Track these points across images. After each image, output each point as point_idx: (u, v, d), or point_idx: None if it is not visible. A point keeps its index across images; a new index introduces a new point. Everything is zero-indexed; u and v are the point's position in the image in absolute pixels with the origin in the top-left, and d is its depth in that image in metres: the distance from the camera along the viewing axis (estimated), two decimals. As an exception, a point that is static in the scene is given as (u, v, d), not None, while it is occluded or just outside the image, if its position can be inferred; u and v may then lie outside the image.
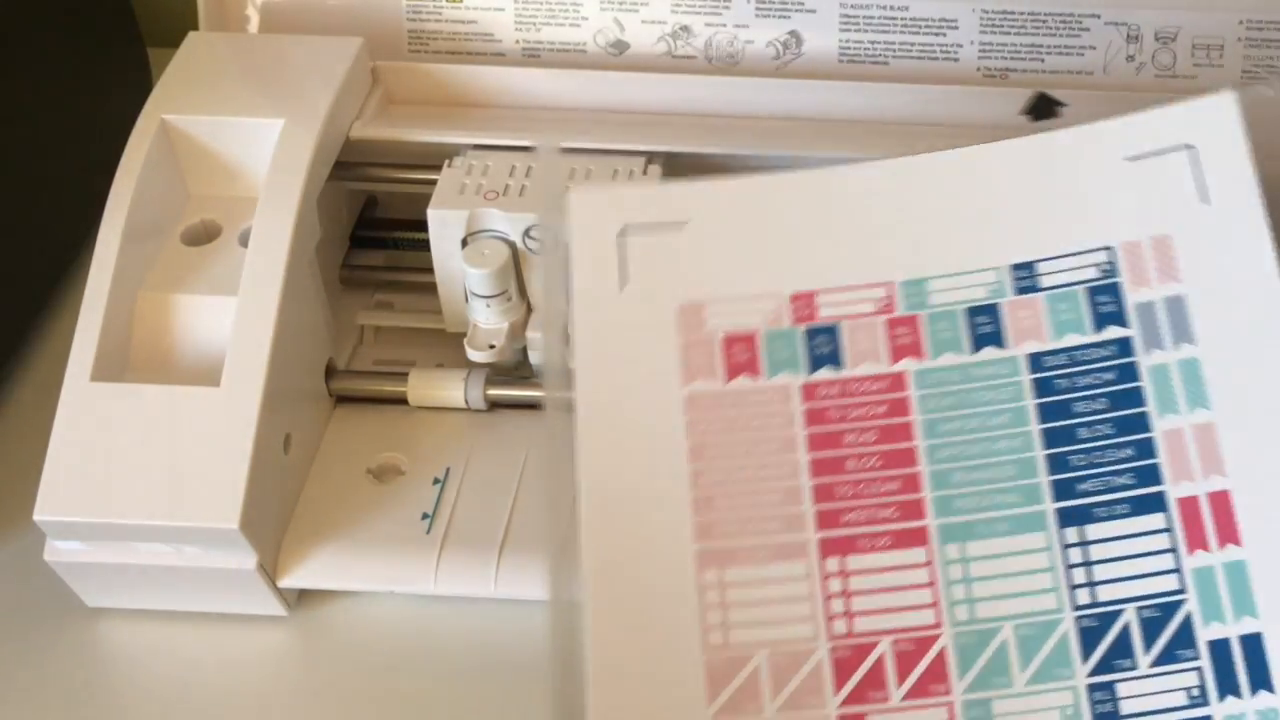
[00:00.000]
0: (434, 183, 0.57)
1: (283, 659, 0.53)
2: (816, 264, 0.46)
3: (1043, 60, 0.62)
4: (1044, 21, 0.61)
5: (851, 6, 0.62)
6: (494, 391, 0.57)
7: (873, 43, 0.62)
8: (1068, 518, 0.43)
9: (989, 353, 0.44)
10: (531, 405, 0.58)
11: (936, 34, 0.62)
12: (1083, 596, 0.42)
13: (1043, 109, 0.49)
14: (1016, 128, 0.50)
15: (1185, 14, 0.61)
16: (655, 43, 0.63)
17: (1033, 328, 0.44)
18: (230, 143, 0.57)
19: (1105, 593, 0.42)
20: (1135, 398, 0.43)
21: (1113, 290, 0.44)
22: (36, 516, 0.51)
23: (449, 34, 0.64)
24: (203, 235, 0.57)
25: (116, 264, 0.53)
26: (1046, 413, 0.43)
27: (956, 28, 0.62)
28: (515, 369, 0.58)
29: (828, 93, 0.60)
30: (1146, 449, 0.42)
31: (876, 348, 0.45)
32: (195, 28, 0.62)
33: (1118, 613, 0.42)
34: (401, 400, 0.58)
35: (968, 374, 0.44)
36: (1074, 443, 0.42)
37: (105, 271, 0.53)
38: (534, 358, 0.58)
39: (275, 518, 0.53)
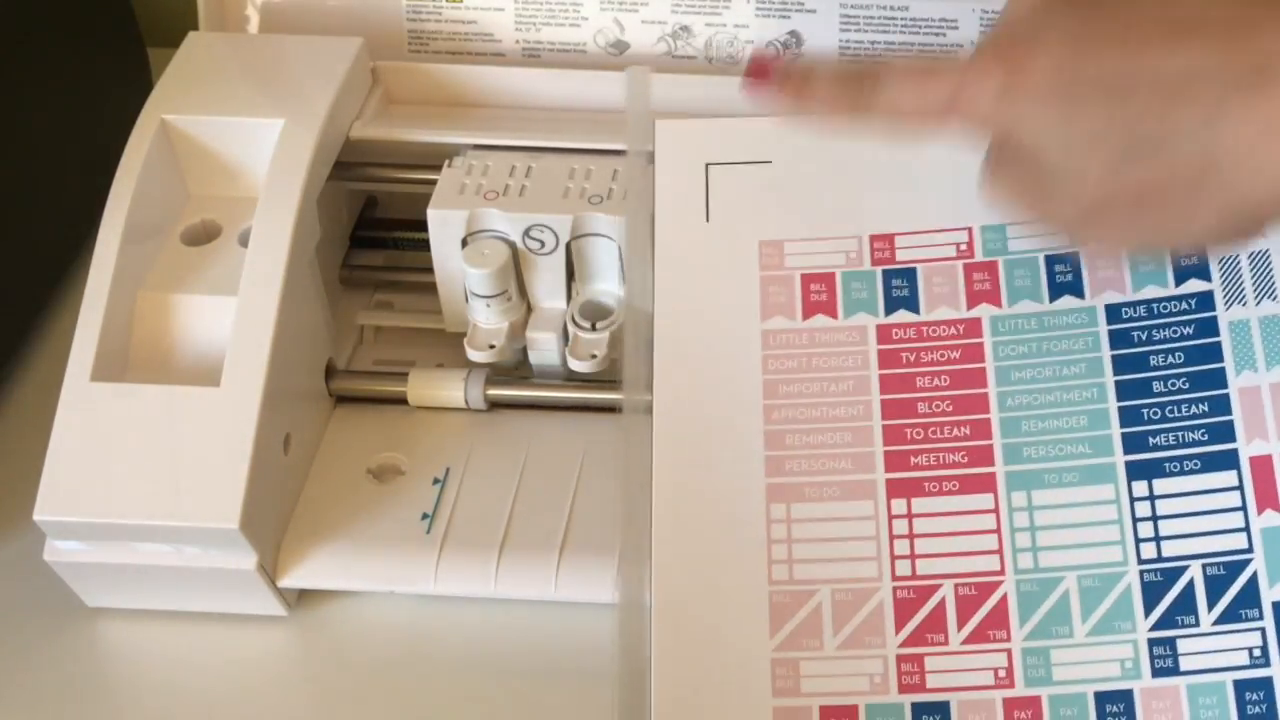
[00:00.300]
0: (434, 183, 0.57)
1: (283, 659, 0.53)
2: (896, 207, 0.46)
3: (1043, 60, 0.61)
4: (1044, 21, 0.61)
5: (851, 6, 0.62)
6: (494, 391, 0.57)
7: (873, 43, 0.62)
8: (1137, 471, 0.42)
9: (1066, 301, 0.44)
10: (532, 405, 0.58)
11: (936, 34, 0.62)
12: (1148, 550, 0.42)
13: None
14: None
15: (1185, 14, 0.61)
16: (655, 43, 0.63)
17: (1113, 279, 0.44)
18: (230, 143, 0.57)
19: (1171, 548, 0.42)
20: (1213, 353, 0.42)
21: None
22: (36, 516, 0.51)
23: (449, 34, 0.64)
24: (203, 235, 0.57)
25: (116, 264, 0.53)
26: (1121, 364, 0.43)
27: (956, 28, 0.62)
28: (515, 369, 0.59)
29: (828, 93, 0.60)
30: (1222, 405, 0.42)
31: (954, 292, 0.45)
32: (195, 28, 0.62)
33: (1183, 569, 0.42)
34: (401, 400, 0.58)
35: (1044, 323, 0.44)
36: (1148, 396, 0.42)
37: (105, 271, 0.53)
38: (534, 358, 0.58)
39: (275, 518, 0.53)
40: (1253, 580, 0.42)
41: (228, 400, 0.51)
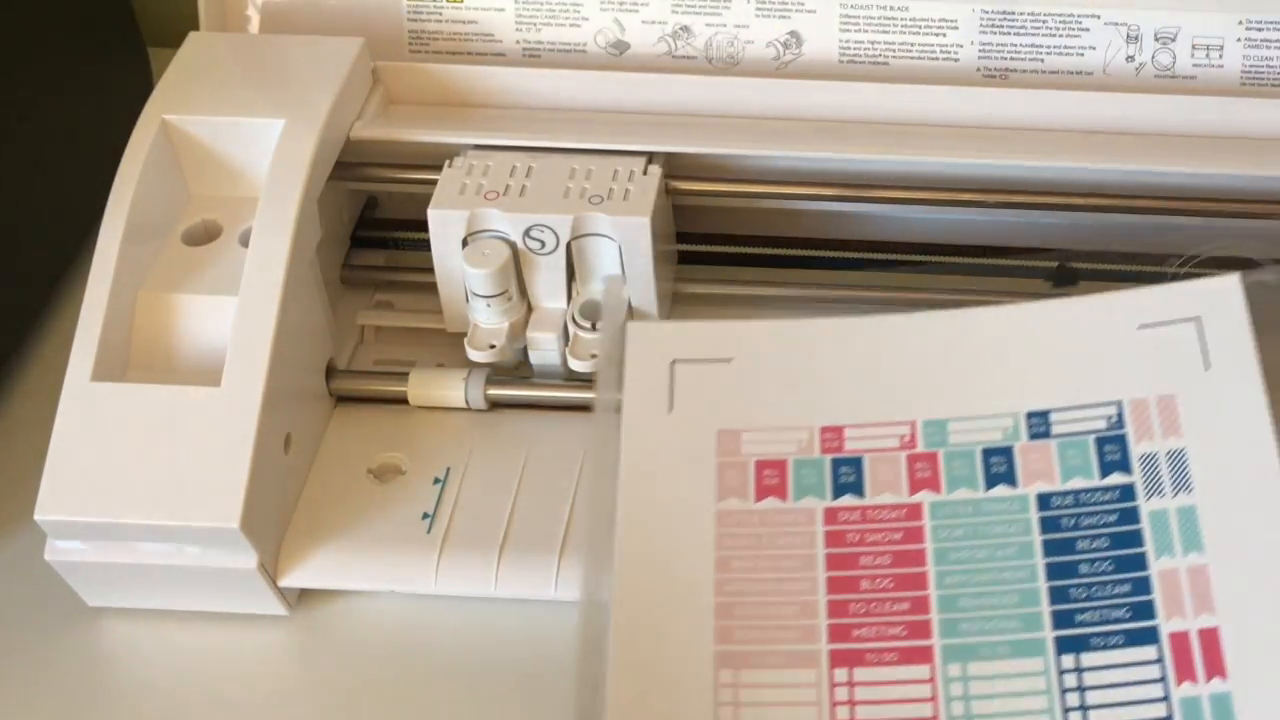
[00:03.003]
0: (434, 183, 0.57)
1: (283, 659, 0.53)
2: (847, 402, 0.49)
3: (1042, 60, 0.62)
4: (1044, 22, 0.61)
5: (851, 6, 0.62)
6: (494, 391, 0.58)
7: (873, 43, 0.62)
8: (1065, 645, 0.45)
9: (1001, 490, 0.47)
10: (532, 405, 0.58)
11: (936, 34, 0.62)
12: (1075, 719, 0.44)
13: (1064, 278, 0.52)
14: (1039, 288, 0.55)
15: (1185, 14, 0.61)
16: (655, 43, 0.63)
17: (1043, 470, 0.47)
18: (231, 143, 0.57)
19: (1097, 717, 0.44)
20: (1134, 539, 0.45)
21: (1119, 441, 0.47)
22: (37, 516, 0.51)
23: (449, 34, 0.64)
24: (203, 235, 0.57)
25: (117, 264, 0.53)
26: (1051, 548, 0.46)
27: (956, 28, 0.62)
28: (515, 369, 0.59)
29: (828, 93, 0.60)
30: (1143, 586, 0.45)
31: (897, 480, 0.48)
32: (196, 28, 0.62)
33: None
34: (402, 400, 0.58)
35: (979, 508, 0.47)
36: (1075, 576, 0.45)
37: (105, 271, 0.53)
38: (534, 358, 0.58)
39: (275, 517, 0.53)
40: None
41: (228, 400, 0.51)
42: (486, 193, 0.56)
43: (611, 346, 0.52)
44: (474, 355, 0.57)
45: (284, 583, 0.53)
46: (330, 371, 0.58)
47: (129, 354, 0.54)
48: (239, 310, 0.53)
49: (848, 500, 0.48)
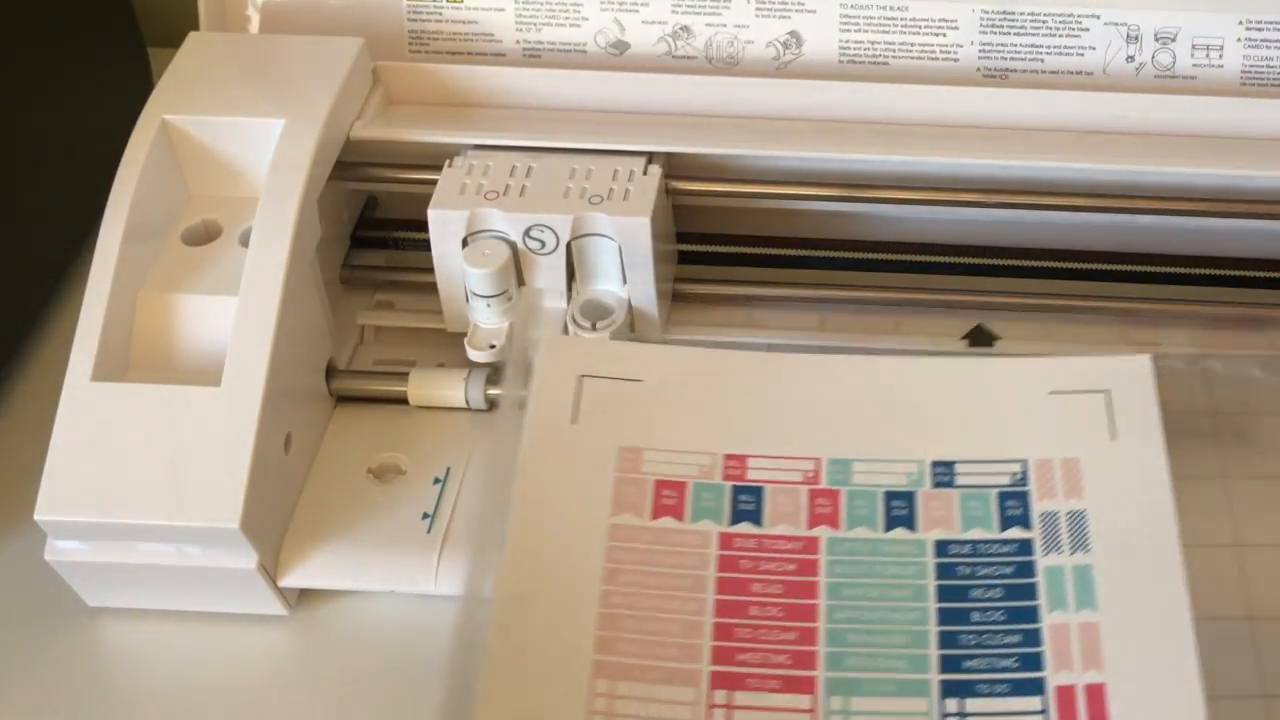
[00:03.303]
0: (434, 183, 0.57)
1: (283, 659, 0.53)
2: (754, 434, 0.50)
3: (1042, 60, 0.62)
4: (1044, 22, 0.61)
5: (851, 6, 0.62)
6: (494, 391, 0.57)
7: (873, 43, 0.62)
8: (950, 689, 0.45)
9: (899, 533, 0.48)
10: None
11: (936, 34, 0.62)
12: None
13: (980, 339, 0.53)
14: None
15: (1185, 14, 0.61)
16: (655, 43, 0.63)
17: (943, 518, 0.48)
18: (231, 143, 0.57)
19: None
20: (1029, 592, 0.46)
21: (1022, 497, 0.48)
22: (37, 516, 0.51)
23: (449, 34, 0.64)
24: (203, 235, 0.57)
25: (117, 264, 0.53)
26: (944, 593, 0.46)
27: (956, 28, 0.62)
28: (515, 369, 0.59)
29: (828, 93, 0.60)
30: (1033, 638, 0.45)
31: (796, 512, 0.48)
32: (196, 28, 0.62)
33: None
34: (402, 400, 0.58)
35: (876, 548, 0.47)
36: (966, 623, 0.46)
37: (105, 271, 0.53)
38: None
39: (276, 517, 0.53)
40: None
41: (228, 400, 0.51)
42: (486, 193, 0.56)
43: (518, 351, 0.52)
44: (474, 355, 0.57)
45: (284, 583, 0.53)
46: (330, 371, 0.58)
47: (129, 354, 0.54)
48: (239, 310, 0.53)
49: (744, 527, 0.48)
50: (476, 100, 0.61)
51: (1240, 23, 0.60)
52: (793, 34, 0.62)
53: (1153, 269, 0.61)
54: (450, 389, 0.57)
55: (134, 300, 0.54)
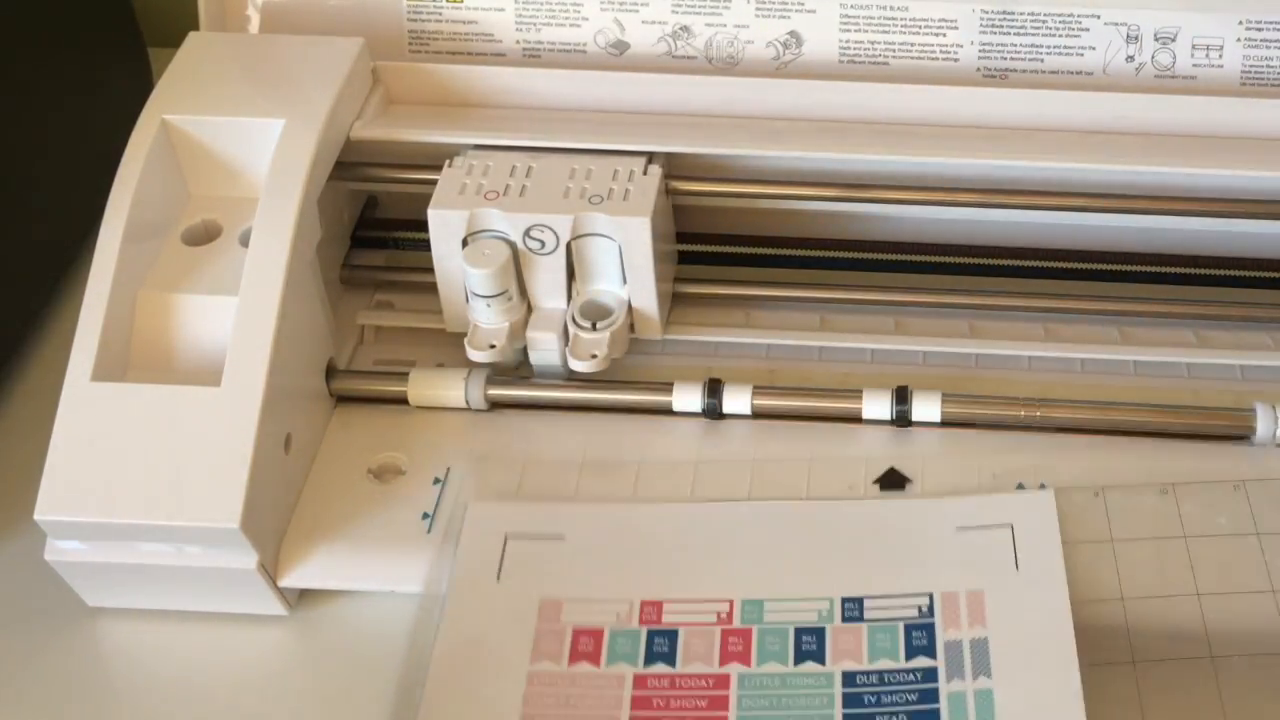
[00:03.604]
0: (434, 183, 0.57)
1: (283, 659, 0.53)
2: (670, 579, 0.52)
3: (1042, 60, 0.62)
4: (1044, 21, 0.61)
5: (851, 6, 0.62)
6: (494, 391, 0.58)
7: (872, 43, 0.62)
8: None
9: (809, 666, 0.50)
10: (532, 405, 0.58)
11: (936, 34, 0.62)
12: None
13: (892, 481, 0.55)
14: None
15: (1185, 14, 0.61)
16: (655, 43, 0.63)
17: (851, 650, 0.50)
18: (231, 143, 0.57)
19: None
20: (932, 716, 0.48)
21: (927, 629, 0.50)
22: (37, 516, 0.51)
23: (449, 34, 0.64)
24: (203, 235, 0.57)
25: (117, 264, 0.53)
26: None
27: (956, 28, 0.62)
28: (515, 369, 0.59)
29: (827, 93, 0.60)
30: None
31: (709, 651, 0.51)
32: (196, 28, 0.62)
33: None
34: (402, 400, 0.58)
35: (786, 681, 0.50)
36: None
37: (106, 271, 0.53)
38: (534, 358, 0.58)
39: (276, 517, 0.53)
40: None
41: (228, 400, 0.51)
42: (486, 193, 0.56)
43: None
44: (474, 355, 0.57)
45: (284, 583, 0.53)
46: (330, 371, 0.58)
47: (129, 354, 0.54)
48: (239, 310, 0.53)
49: (659, 668, 0.50)
50: (476, 100, 0.61)
51: (1240, 23, 0.60)
52: (793, 34, 0.62)
53: (1152, 269, 0.61)
54: (450, 389, 0.57)
55: (134, 300, 0.54)
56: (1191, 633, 0.50)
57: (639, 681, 0.50)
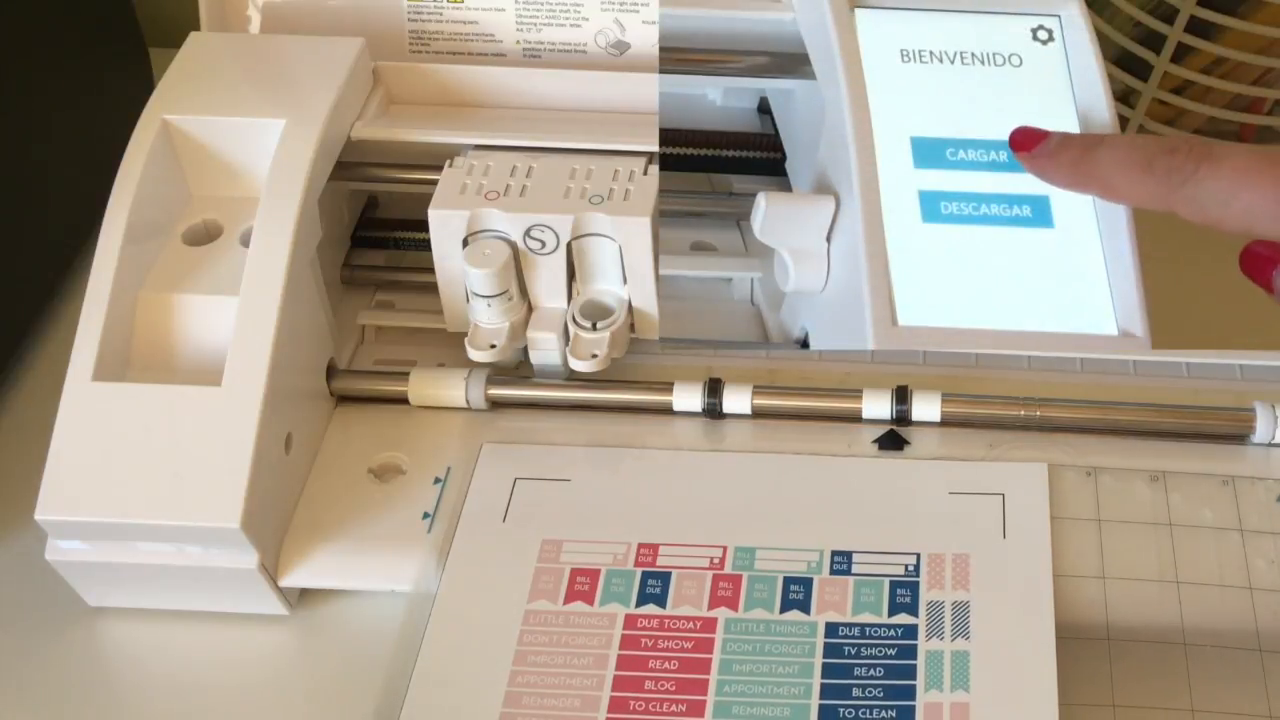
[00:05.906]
0: (435, 183, 0.57)
1: (283, 659, 0.53)
2: (667, 525, 0.54)
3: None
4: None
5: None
6: (495, 391, 0.58)
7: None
8: None
9: (793, 615, 0.51)
10: (534, 405, 0.58)
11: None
12: None
13: (891, 442, 0.56)
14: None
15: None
16: (656, 43, 0.63)
17: (836, 602, 0.51)
18: (231, 143, 0.57)
19: None
20: (908, 672, 0.49)
21: (911, 587, 0.52)
22: (38, 516, 0.51)
23: (450, 34, 0.64)
24: (204, 235, 0.57)
25: (118, 264, 0.54)
26: (829, 670, 0.50)
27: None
28: (516, 369, 0.59)
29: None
30: (907, 714, 0.48)
31: (699, 595, 0.52)
32: (196, 28, 0.62)
33: None
34: (402, 400, 0.58)
35: (770, 628, 0.51)
36: (846, 698, 0.49)
37: (106, 271, 0.53)
38: (534, 358, 0.58)
39: (276, 517, 0.53)
40: None
41: (229, 400, 0.51)
42: (487, 193, 0.56)
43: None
44: (474, 355, 0.57)
45: (284, 583, 0.53)
46: (331, 371, 0.58)
47: (129, 354, 0.54)
48: (239, 310, 0.53)
49: (649, 609, 0.51)
50: (476, 100, 0.62)
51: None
52: (793, 34, 0.62)
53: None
54: (450, 389, 0.58)
55: (134, 300, 0.54)
56: (1167, 618, 0.51)
57: (629, 621, 0.51)
